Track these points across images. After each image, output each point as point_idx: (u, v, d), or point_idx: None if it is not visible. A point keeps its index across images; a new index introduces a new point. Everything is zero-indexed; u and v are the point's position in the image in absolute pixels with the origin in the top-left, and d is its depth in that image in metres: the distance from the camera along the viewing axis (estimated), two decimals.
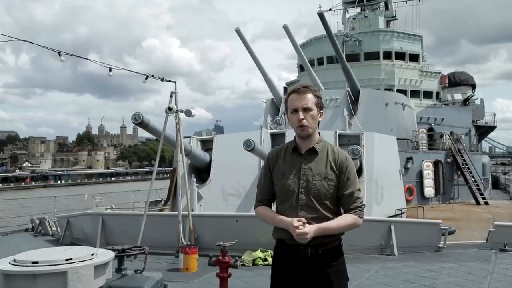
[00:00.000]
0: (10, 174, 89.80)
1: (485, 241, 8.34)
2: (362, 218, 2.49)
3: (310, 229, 2.31)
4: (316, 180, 2.44)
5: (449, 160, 22.07)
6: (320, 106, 2.52)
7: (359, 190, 2.53)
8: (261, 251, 7.51)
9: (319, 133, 2.57)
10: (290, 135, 11.70)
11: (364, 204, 2.51)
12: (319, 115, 2.51)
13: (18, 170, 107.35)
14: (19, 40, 7.06)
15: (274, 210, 2.56)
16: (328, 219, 2.40)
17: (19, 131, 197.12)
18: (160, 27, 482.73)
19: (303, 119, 2.44)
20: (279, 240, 2.53)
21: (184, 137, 9.84)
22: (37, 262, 2.83)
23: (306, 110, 2.45)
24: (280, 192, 2.52)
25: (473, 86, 33.73)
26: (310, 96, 2.47)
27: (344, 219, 2.44)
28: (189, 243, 7.52)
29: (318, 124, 2.54)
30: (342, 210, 2.52)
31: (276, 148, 2.69)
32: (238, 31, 18.01)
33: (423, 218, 11.99)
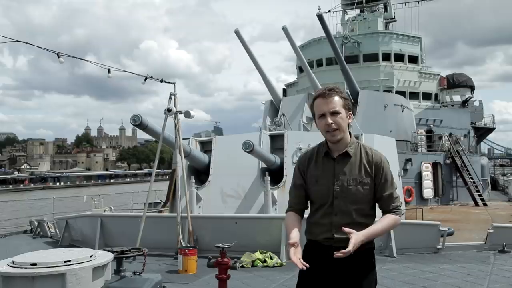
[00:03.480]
0: (8, 176, 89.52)
1: (483, 242, 8.36)
2: (401, 216, 2.45)
3: (357, 238, 2.20)
4: (351, 185, 2.38)
5: (448, 161, 22.11)
6: (348, 108, 2.41)
7: (396, 188, 2.46)
8: (260, 253, 7.49)
9: (350, 133, 2.47)
10: (289, 136, 11.71)
11: (401, 202, 2.47)
12: (348, 117, 2.41)
13: (17, 172, 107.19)
14: (18, 41, 7.05)
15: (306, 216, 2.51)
16: (360, 223, 2.33)
17: (17, 133, 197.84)
18: (157, 29, 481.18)
19: (332, 123, 2.34)
20: (310, 240, 2.46)
21: (183, 139, 9.82)
22: (35, 264, 2.83)
23: (334, 113, 2.35)
24: (315, 198, 2.46)
25: (472, 88, 33.74)
26: (336, 99, 2.37)
27: (387, 221, 2.38)
28: (188, 245, 7.51)
29: (348, 126, 2.44)
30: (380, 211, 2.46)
31: (306, 152, 2.60)
32: (237, 33, 18.00)
33: (422, 220, 11.99)
